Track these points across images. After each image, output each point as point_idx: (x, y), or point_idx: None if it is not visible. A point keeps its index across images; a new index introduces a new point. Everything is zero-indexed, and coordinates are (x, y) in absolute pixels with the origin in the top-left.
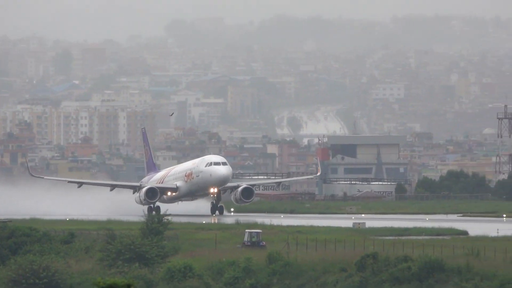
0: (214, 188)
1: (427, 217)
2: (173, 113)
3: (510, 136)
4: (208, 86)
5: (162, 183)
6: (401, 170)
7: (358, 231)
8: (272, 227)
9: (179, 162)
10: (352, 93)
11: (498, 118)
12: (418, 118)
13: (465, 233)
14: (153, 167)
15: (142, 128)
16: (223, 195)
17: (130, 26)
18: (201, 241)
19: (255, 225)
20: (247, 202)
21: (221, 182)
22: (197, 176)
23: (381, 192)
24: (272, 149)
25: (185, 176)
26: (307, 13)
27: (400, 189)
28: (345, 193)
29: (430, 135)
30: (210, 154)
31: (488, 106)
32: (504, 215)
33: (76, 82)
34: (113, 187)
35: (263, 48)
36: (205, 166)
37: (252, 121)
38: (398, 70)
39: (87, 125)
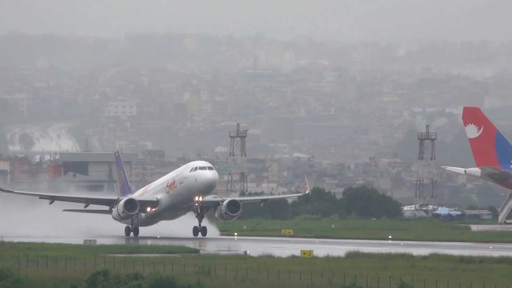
0: (199, 197)
1: (159, 235)
2: None
3: (242, 155)
4: None
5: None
6: (133, 188)
7: (90, 248)
8: (2, 243)
9: None
10: (85, 110)
11: (230, 136)
12: (150, 135)
13: (196, 251)
14: (128, 191)
15: (115, 152)
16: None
17: None
18: None
19: None
20: (234, 216)
21: (207, 187)
22: (180, 184)
23: None
24: (3, 165)
25: (167, 186)
26: (39, 30)
27: None
28: None
29: (162, 153)
30: None
31: (220, 124)
32: (236, 234)
33: None
34: (88, 202)
35: None
36: (190, 172)
37: None
38: (130, 87)
39: None
